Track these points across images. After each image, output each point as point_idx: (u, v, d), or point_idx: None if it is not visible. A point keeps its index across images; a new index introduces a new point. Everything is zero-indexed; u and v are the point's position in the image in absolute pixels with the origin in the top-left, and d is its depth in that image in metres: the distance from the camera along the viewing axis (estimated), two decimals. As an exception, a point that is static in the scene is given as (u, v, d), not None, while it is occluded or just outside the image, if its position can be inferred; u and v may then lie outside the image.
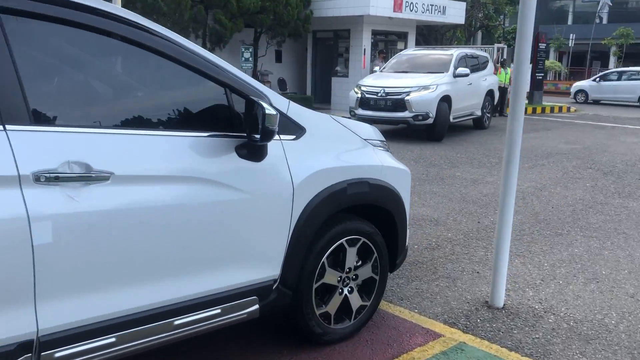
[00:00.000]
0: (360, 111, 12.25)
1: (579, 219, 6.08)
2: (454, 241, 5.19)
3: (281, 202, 2.75)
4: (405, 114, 11.76)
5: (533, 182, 7.90)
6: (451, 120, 12.41)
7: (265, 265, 2.76)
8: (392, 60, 14.16)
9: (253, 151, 2.58)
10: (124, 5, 13.94)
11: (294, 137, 2.84)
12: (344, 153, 3.08)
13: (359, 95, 12.33)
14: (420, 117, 11.68)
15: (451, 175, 8.33)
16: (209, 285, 2.55)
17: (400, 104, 11.76)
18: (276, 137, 2.74)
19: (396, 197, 3.32)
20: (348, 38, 17.95)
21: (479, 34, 25.57)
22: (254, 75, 17.56)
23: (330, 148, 3.01)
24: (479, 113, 13.87)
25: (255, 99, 2.50)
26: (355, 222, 3.16)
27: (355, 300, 3.25)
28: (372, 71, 15.55)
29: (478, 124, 14.26)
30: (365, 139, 3.27)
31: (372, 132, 3.46)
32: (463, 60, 13.32)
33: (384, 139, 3.66)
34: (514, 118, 3.52)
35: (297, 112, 2.91)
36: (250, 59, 16.72)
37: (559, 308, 3.79)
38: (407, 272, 4.38)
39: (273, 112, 2.44)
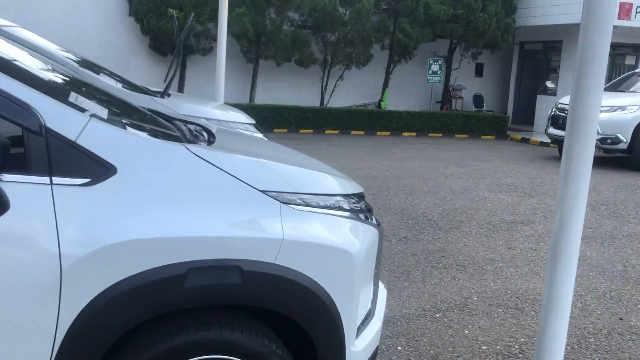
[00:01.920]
0: (551, 130, 11.32)
1: None
2: (553, 348, 3.36)
3: (33, 294, 1.61)
4: None
5: None
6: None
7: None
8: (618, 79, 12.36)
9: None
10: (310, 12, 13.62)
11: (85, 180, 1.67)
12: (196, 214, 1.78)
13: (552, 114, 11.29)
14: (608, 141, 10.11)
15: (630, 233, 6.03)
16: None
17: None
18: (39, 179, 1.62)
19: (311, 297, 1.89)
20: (560, 51, 15.36)
21: None
22: (445, 90, 16.06)
23: (165, 202, 1.75)
24: None
25: None
26: (221, 331, 1.83)
27: None
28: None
29: None
30: (267, 191, 1.90)
31: (306, 180, 2.08)
32: None
33: (355, 191, 2.26)
34: (568, 174, 1.86)
35: (105, 139, 1.72)
36: (439, 72, 15.27)
37: None
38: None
39: None
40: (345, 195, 2.22)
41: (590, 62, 1.79)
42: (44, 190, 1.63)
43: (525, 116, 16.55)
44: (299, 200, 1.98)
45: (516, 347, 3.37)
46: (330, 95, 15.15)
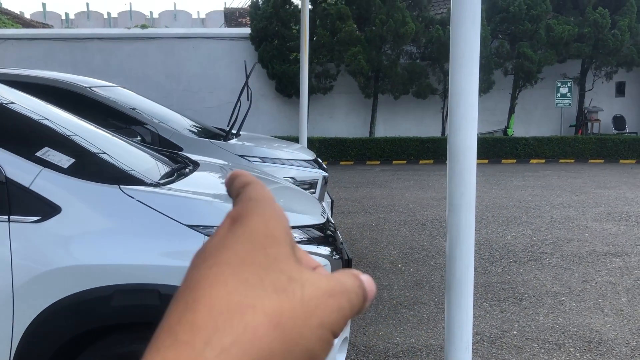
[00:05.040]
0: None
1: None
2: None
3: (-7, 306, 2.06)
4: None
5: None
6: None
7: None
8: None
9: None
10: (426, 44, 13.80)
11: (36, 218, 2.11)
12: (123, 245, 2.14)
13: None
14: None
15: None
16: None
17: None
18: (2, 217, 2.09)
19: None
20: None
21: None
22: (580, 113, 15.11)
23: (98, 235, 2.13)
24: None
25: None
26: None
27: None
28: None
29: None
30: (193, 226, 2.20)
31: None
32: None
33: (312, 222, 2.49)
34: (454, 190, 1.95)
35: (53, 185, 2.15)
36: (569, 94, 14.43)
37: None
38: None
39: None
40: (293, 227, 2.44)
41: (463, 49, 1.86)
42: (3, 226, 2.08)
43: (677, 136, 14.92)
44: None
45: (532, 383, 3.24)
46: (452, 125, 14.98)
